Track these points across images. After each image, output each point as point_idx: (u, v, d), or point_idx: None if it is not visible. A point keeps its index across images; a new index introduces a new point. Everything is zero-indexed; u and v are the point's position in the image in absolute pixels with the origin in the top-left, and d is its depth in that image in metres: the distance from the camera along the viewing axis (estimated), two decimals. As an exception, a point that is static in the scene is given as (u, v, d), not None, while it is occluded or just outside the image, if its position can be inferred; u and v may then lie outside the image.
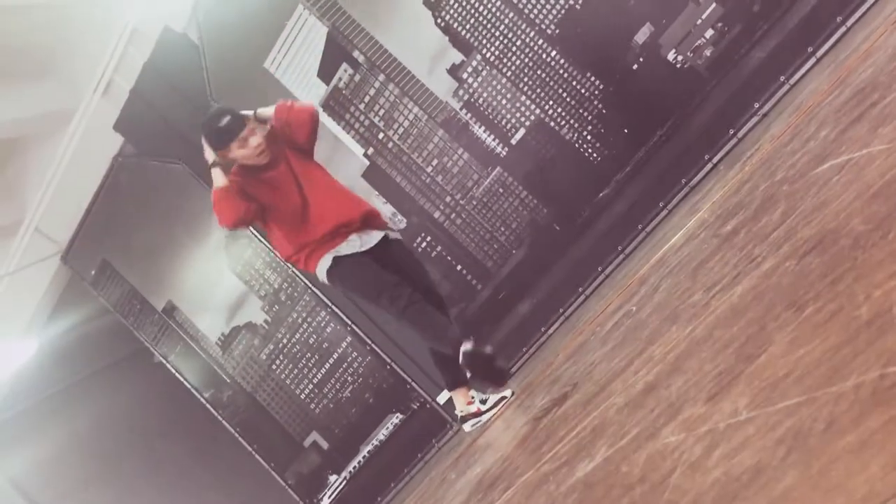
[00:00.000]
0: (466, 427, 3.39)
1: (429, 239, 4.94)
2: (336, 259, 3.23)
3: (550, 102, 4.60)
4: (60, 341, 7.42)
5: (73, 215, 6.36)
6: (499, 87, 4.68)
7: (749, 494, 0.63)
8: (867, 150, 1.31)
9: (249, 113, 3.20)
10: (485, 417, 3.29)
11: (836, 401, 0.64)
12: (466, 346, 2.99)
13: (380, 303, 3.23)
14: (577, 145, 4.59)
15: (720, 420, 0.83)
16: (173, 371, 6.20)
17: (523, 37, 4.58)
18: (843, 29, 3.99)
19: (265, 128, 3.23)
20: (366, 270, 3.23)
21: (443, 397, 5.11)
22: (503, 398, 3.25)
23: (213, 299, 5.97)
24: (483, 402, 3.32)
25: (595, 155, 4.56)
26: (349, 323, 5.46)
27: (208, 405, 6.07)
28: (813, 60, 4.08)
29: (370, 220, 3.34)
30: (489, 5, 4.60)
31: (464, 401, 3.38)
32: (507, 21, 4.58)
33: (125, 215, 6.11)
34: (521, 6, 4.54)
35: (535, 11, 4.52)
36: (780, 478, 0.61)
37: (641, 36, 4.37)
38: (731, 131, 4.29)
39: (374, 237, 3.30)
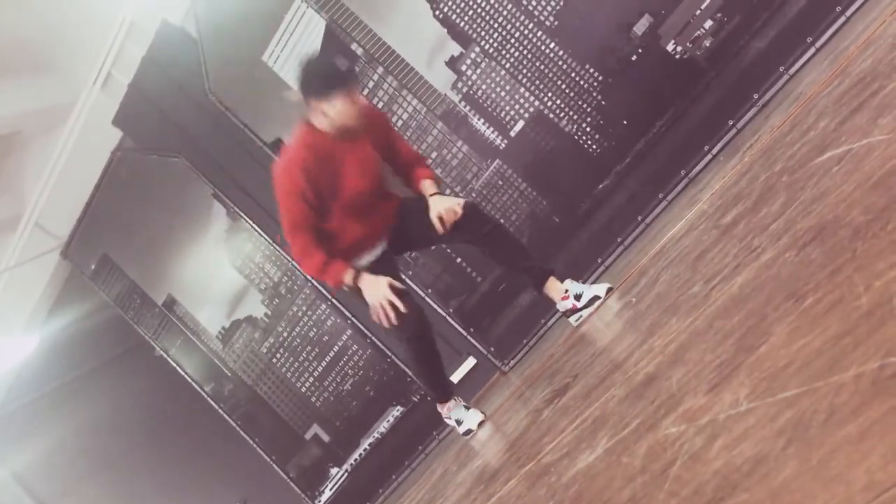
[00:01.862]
0: (571, 321, 3.19)
1: (428, 231, 4.92)
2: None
3: (549, 94, 4.59)
4: (61, 336, 7.42)
5: (73, 210, 6.35)
6: (497, 79, 4.67)
7: (750, 485, 0.63)
8: (867, 141, 1.31)
9: None
10: (585, 312, 3.09)
11: (836, 391, 0.64)
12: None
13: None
14: (576, 137, 4.58)
15: (721, 411, 0.83)
16: (174, 365, 6.19)
17: (522, 28, 4.56)
18: (842, 19, 3.98)
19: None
20: None
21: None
22: (596, 297, 3.06)
23: (213, 293, 5.97)
24: (577, 297, 3.12)
25: (594, 146, 4.56)
26: (349, 316, 5.47)
27: (209, 399, 6.08)
28: (812, 51, 4.07)
29: None
30: (488, -3, 4.59)
31: (558, 294, 3.17)
32: (505, 13, 4.57)
33: (125, 209, 6.10)
34: (519, -2, 4.53)
35: (534, 3, 4.51)
36: (780, 468, 0.61)
37: (640, 27, 4.36)
38: (731, 122, 4.28)
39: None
